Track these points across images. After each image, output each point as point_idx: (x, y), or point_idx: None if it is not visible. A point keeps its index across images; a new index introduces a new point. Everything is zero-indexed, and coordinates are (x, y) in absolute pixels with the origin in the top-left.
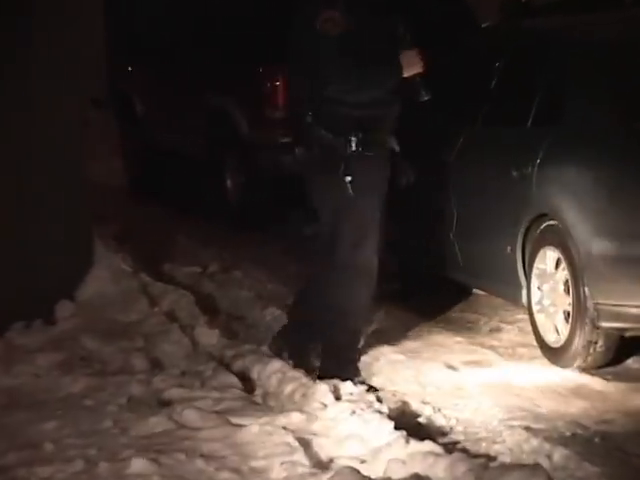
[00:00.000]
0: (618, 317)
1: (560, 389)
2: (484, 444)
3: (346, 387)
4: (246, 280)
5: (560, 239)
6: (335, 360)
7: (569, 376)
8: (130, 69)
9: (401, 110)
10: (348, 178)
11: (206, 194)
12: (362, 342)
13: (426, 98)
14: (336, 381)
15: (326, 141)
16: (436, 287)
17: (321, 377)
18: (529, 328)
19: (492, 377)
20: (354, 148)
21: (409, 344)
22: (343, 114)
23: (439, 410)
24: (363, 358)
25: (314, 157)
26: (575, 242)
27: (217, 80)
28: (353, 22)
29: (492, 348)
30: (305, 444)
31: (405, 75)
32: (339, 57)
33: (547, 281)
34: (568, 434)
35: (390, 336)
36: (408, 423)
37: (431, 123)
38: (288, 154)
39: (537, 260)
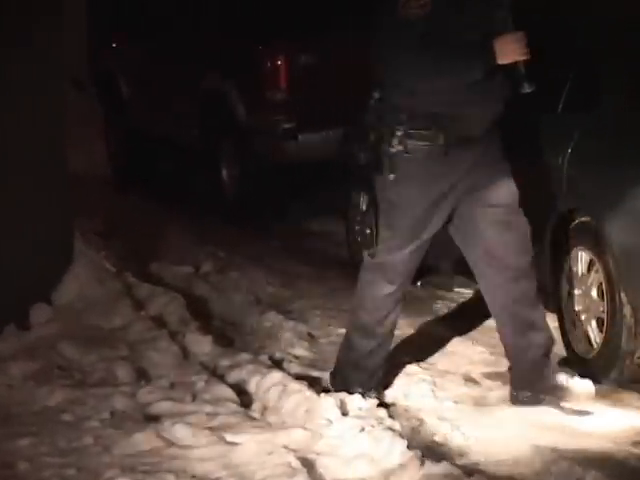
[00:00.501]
0: None
1: (592, 405)
2: (507, 466)
3: (354, 401)
4: (243, 281)
5: (593, 238)
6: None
7: (602, 390)
8: (115, 45)
9: (502, 110)
10: (391, 176)
11: (199, 186)
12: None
13: (529, 90)
14: (343, 395)
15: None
16: (452, 287)
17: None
18: (558, 337)
19: None
20: (396, 144)
21: (425, 353)
22: (401, 105)
23: (457, 428)
24: None
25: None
26: (610, 241)
27: (212, 59)
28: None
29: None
30: (308, 465)
31: (500, 62)
32: (418, 44)
33: (578, 285)
34: (601, 455)
35: (403, 344)
36: (423, 442)
37: None
38: (290, 141)
39: (567, 261)
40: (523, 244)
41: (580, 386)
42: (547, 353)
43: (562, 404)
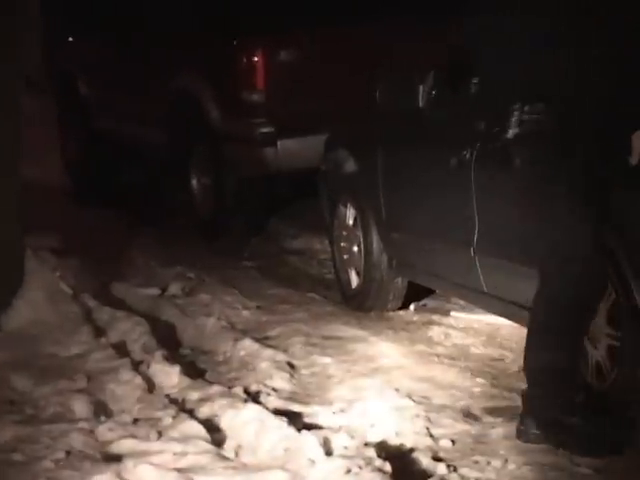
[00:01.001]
0: None
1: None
2: None
3: (339, 439)
4: (215, 305)
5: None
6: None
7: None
8: (73, 43)
9: None
10: None
11: (168, 198)
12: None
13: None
14: (327, 432)
15: None
16: (447, 312)
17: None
18: None
19: None
20: None
21: (419, 386)
22: None
23: (455, 469)
24: (357, 403)
25: None
26: (626, 254)
27: (182, 56)
28: None
29: (520, 392)
30: None
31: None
32: None
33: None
34: None
35: (394, 375)
36: None
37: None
38: (269, 147)
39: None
40: None
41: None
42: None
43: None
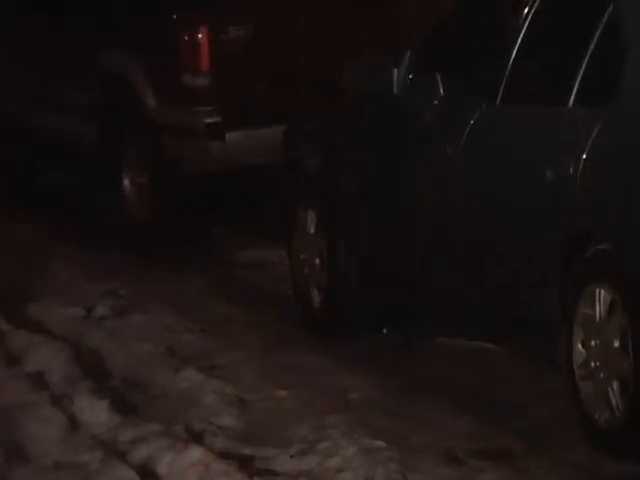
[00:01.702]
0: None
1: None
2: None
3: None
4: (151, 328)
5: (615, 271)
6: None
7: (627, 473)
8: None
9: None
10: None
11: (95, 201)
12: None
13: None
14: (284, 479)
15: None
16: (428, 338)
17: None
18: (569, 401)
19: (511, 475)
20: None
21: (393, 424)
22: None
23: None
24: (320, 445)
25: None
26: (638, 276)
27: (110, 32)
28: None
29: (514, 432)
30: None
31: None
32: None
33: (596, 334)
34: None
35: (365, 412)
36: None
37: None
38: (215, 141)
39: (581, 302)
40: None
41: None
42: None
43: None
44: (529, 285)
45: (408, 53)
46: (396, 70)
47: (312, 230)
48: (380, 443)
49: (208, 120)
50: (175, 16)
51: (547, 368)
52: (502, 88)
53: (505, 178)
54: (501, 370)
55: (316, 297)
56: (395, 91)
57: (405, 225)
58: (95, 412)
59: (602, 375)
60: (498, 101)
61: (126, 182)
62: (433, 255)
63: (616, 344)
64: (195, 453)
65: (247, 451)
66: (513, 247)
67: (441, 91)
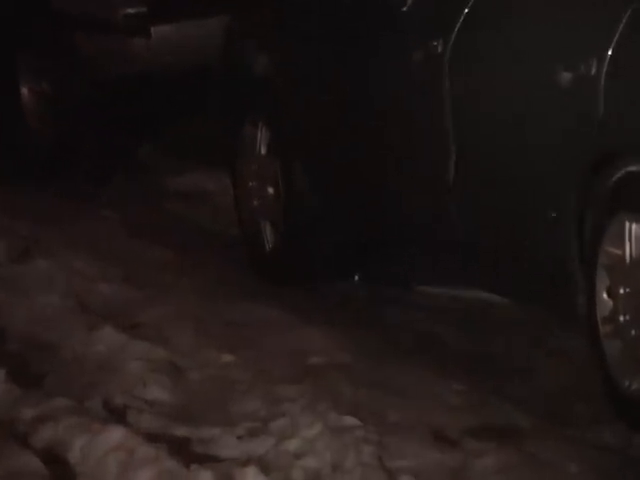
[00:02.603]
0: None
1: None
2: None
3: (249, 477)
4: (60, 276)
5: None
6: None
7: None
8: None
9: None
10: None
11: None
12: None
13: None
14: (229, 466)
15: None
16: (409, 288)
17: None
18: (589, 365)
19: (516, 458)
20: None
21: (366, 395)
22: None
23: None
24: (275, 423)
25: None
26: None
27: None
28: None
29: (518, 404)
30: None
31: None
32: None
33: (625, 278)
34: None
35: (331, 380)
36: None
37: None
38: (137, 38)
39: (606, 239)
40: None
41: None
42: None
43: None
44: (537, 218)
45: None
46: None
47: (263, 150)
48: (351, 420)
49: (129, 10)
50: None
51: (558, 323)
52: None
53: (507, 81)
54: (499, 327)
55: (269, 235)
56: None
57: (379, 138)
58: None
59: (633, 332)
60: None
61: (25, 91)
62: (413, 177)
63: None
64: (115, 435)
65: (181, 432)
66: (516, 169)
67: None
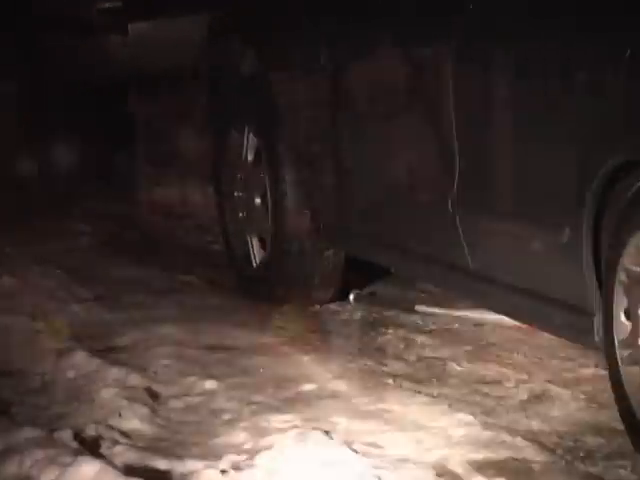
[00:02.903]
0: None
1: None
2: None
3: None
4: (27, 296)
5: None
6: None
7: None
8: None
9: None
10: None
11: None
12: None
13: None
14: None
15: None
16: (409, 305)
17: None
18: (607, 394)
19: None
20: None
21: (363, 425)
22: None
23: None
24: (262, 456)
25: None
26: None
27: None
28: None
29: (530, 437)
30: None
31: None
32: None
33: None
34: None
35: (324, 409)
36: None
37: None
38: (114, 35)
39: (625, 256)
40: None
41: None
42: None
43: None
44: (548, 233)
45: None
46: None
47: (250, 157)
48: (347, 453)
49: (104, 5)
50: None
51: (572, 347)
52: None
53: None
54: (507, 350)
55: (256, 251)
56: None
57: (385, 147)
58: None
59: None
60: None
61: None
62: (421, 193)
63: None
64: (87, 469)
65: (160, 465)
66: (524, 179)
67: None
